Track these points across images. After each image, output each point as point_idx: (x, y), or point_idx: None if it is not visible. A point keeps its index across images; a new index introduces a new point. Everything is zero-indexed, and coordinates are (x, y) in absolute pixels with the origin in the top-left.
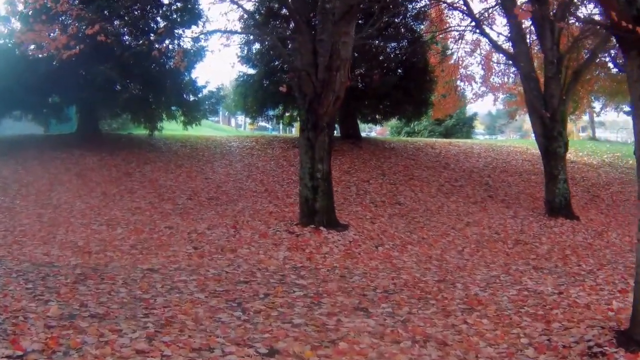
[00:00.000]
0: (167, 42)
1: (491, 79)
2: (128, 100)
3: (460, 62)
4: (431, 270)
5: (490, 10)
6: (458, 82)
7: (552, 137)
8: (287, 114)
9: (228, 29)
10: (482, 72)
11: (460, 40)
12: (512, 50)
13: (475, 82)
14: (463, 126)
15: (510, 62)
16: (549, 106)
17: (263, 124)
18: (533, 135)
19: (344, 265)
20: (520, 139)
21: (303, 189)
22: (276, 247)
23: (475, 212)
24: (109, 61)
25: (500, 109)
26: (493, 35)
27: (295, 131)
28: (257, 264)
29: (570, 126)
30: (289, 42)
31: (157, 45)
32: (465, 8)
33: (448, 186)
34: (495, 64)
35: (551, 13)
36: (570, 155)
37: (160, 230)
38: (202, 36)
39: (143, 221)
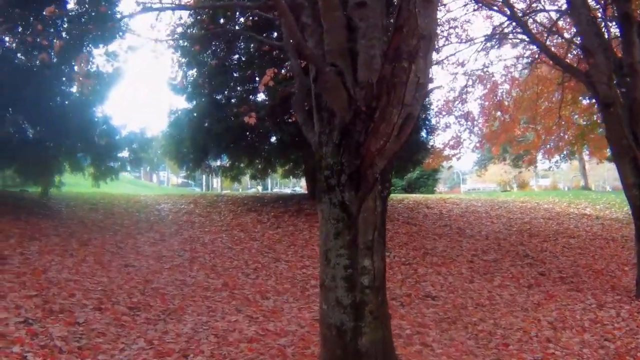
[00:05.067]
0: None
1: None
2: (7, 141)
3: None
4: None
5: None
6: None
7: None
8: (235, 165)
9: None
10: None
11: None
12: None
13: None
14: (427, 179)
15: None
16: None
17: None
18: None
19: None
20: (489, 192)
21: (331, 309)
22: None
23: (543, 302)
24: None
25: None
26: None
27: (239, 187)
28: None
29: None
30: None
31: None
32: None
33: (479, 262)
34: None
35: None
36: None
37: None
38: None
39: None
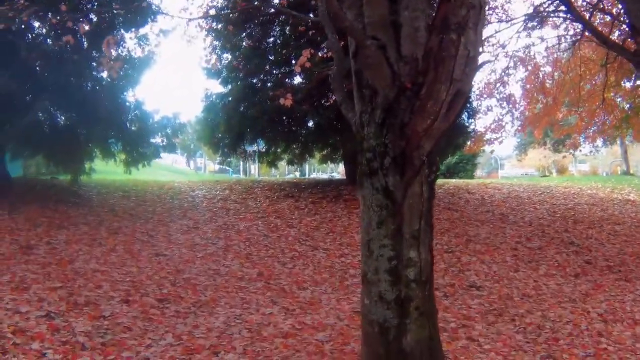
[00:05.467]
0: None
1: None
2: (36, 127)
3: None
4: None
5: None
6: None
7: None
8: (271, 150)
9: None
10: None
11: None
12: None
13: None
14: (467, 164)
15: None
16: None
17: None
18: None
19: None
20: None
21: (374, 304)
22: None
23: (591, 292)
24: (7, 67)
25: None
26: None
27: (277, 173)
28: None
29: None
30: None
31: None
32: None
33: (524, 250)
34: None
35: None
36: None
37: None
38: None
39: None
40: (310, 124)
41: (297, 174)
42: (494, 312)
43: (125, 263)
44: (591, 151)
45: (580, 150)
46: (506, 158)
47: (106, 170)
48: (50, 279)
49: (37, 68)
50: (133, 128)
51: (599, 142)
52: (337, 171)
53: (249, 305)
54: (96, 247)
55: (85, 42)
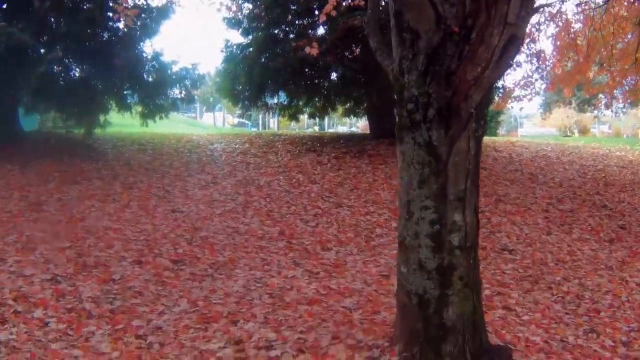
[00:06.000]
0: None
1: None
2: (49, 79)
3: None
4: None
5: None
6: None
7: None
8: (293, 103)
9: None
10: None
11: None
12: None
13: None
14: (490, 121)
15: None
16: None
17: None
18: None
19: None
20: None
21: (412, 273)
22: None
23: (628, 260)
24: (20, 17)
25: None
26: None
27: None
28: None
29: None
30: None
31: None
32: None
33: (555, 212)
34: None
35: None
36: None
37: None
38: None
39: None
40: (334, 76)
41: (317, 128)
42: (529, 278)
43: (140, 220)
44: (617, 113)
45: (612, 111)
46: (525, 117)
47: (123, 123)
48: (59, 238)
49: (51, 18)
50: (150, 79)
51: (629, 102)
52: (357, 126)
53: (269, 267)
54: (109, 203)
55: None
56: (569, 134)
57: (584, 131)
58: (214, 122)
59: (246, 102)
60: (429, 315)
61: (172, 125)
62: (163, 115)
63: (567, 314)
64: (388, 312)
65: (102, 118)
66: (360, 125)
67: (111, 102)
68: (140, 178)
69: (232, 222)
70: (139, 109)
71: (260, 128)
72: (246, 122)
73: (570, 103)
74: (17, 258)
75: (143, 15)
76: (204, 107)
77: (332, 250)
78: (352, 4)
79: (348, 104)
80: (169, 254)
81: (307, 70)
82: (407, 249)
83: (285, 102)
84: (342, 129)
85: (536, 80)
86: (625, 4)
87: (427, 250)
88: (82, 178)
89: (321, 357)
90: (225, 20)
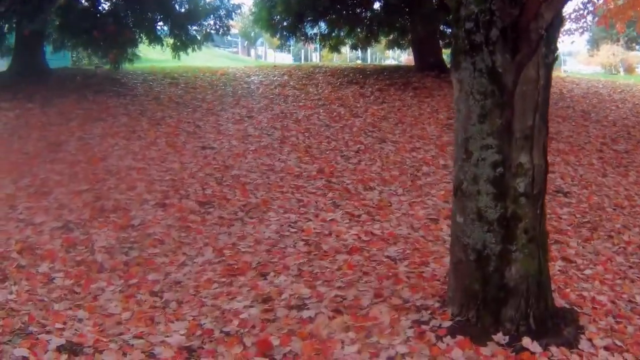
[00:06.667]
0: None
1: None
2: (74, 11)
3: None
4: None
5: None
6: None
7: None
8: (334, 34)
9: None
10: None
11: None
12: None
13: None
14: None
15: None
16: None
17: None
18: None
19: None
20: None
21: (470, 224)
22: None
23: None
24: None
25: None
26: None
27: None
28: None
29: None
30: None
31: None
32: None
33: (610, 152)
34: None
35: None
36: None
37: None
38: None
39: None
40: (377, 5)
41: (359, 62)
42: (587, 225)
43: (166, 158)
44: None
45: None
46: (569, 54)
47: (157, 59)
48: (76, 180)
49: None
50: (182, 10)
51: None
52: (399, 60)
53: (306, 210)
54: (134, 141)
55: None
56: (614, 72)
57: (629, 70)
58: (255, 57)
59: (285, 33)
60: (488, 274)
61: (212, 60)
62: (196, 47)
63: (630, 267)
64: (438, 264)
65: (129, 51)
66: (403, 59)
67: (141, 35)
68: (169, 113)
69: (267, 159)
70: (170, 41)
71: (302, 62)
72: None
73: (618, 40)
74: (29, 204)
75: None
76: (245, 42)
77: (375, 190)
78: None
79: (392, 35)
80: (196, 195)
81: None
82: (464, 196)
83: (326, 33)
84: (386, 63)
85: (588, 13)
86: None
87: (488, 198)
88: (107, 115)
89: (361, 320)
90: None
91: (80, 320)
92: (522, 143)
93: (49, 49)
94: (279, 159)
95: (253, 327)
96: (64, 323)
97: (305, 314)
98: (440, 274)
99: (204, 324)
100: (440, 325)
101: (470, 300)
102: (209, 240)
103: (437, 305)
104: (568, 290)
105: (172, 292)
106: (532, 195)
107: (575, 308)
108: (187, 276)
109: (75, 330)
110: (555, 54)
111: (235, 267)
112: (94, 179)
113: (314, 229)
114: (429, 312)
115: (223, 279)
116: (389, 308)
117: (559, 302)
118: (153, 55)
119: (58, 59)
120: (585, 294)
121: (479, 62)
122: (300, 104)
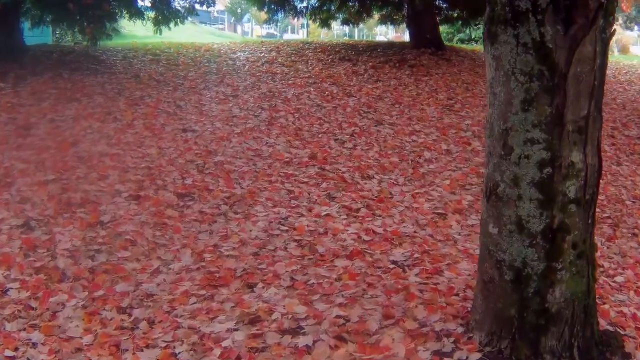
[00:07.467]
0: None
1: None
2: None
3: None
4: None
5: None
6: None
7: None
8: (324, 8)
9: None
10: None
11: None
12: None
13: None
14: None
15: None
16: None
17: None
18: None
19: None
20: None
21: (507, 236)
22: None
23: None
24: None
25: None
26: None
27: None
28: None
29: None
30: None
31: None
32: None
33: (622, 138)
34: None
35: None
36: None
37: None
38: None
39: None
40: None
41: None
42: (608, 221)
43: (143, 143)
44: None
45: None
46: None
47: (142, 35)
48: (43, 168)
49: None
50: None
51: None
52: (387, 37)
53: (297, 203)
54: (110, 123)
55: None
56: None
57: (624, 50)
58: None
59: (272, 6)
60: (527, 296)
61: (197, 36)
62: (179, 21)
63: None
64: (453, 272)
65: (108, 26)
66: (392, 36)
67: (120, 8)
68: (148, 92)
69: (253, 143)
70: (152, 15)
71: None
72: (275, 33)
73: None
74: None
75: None
76: (232, 19)
77: (373, 178)
78: None
79: (385, 10)
80: (175, 185)
81: None
82: (501, 201)
83: (316, 6)
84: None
85: None
86: None
87: (532, 205)
88: (82, 94)
89: (370, 350)
90: None
91: (34, 346)
92: (575, 137)
93: (27, 25)
94: (267, 143)
95: (238, 358)
96: (15, 349)
97: (302, 341)
98: (457, 286)
99: (179, 353)
100: (467, 358)
101: (503, 328)
102: (187, 241)
103: (460, 330)
104: (606, 306)
105: (143, 307)
106: (584, 202)
107: (618, 330)
108: (161, 287)
109: (28, 359)
110: (613, 28)
111: (217, 275)
112: (62, 167)
113: (307, 226)
114: (451, 340)
115: (202, 292)
116: (403, 334)
117: (601, 322)
118: (139, 32)
119: (37, 35)
120: (624, 310)
121: (524, 34)
122: (290, 82)
